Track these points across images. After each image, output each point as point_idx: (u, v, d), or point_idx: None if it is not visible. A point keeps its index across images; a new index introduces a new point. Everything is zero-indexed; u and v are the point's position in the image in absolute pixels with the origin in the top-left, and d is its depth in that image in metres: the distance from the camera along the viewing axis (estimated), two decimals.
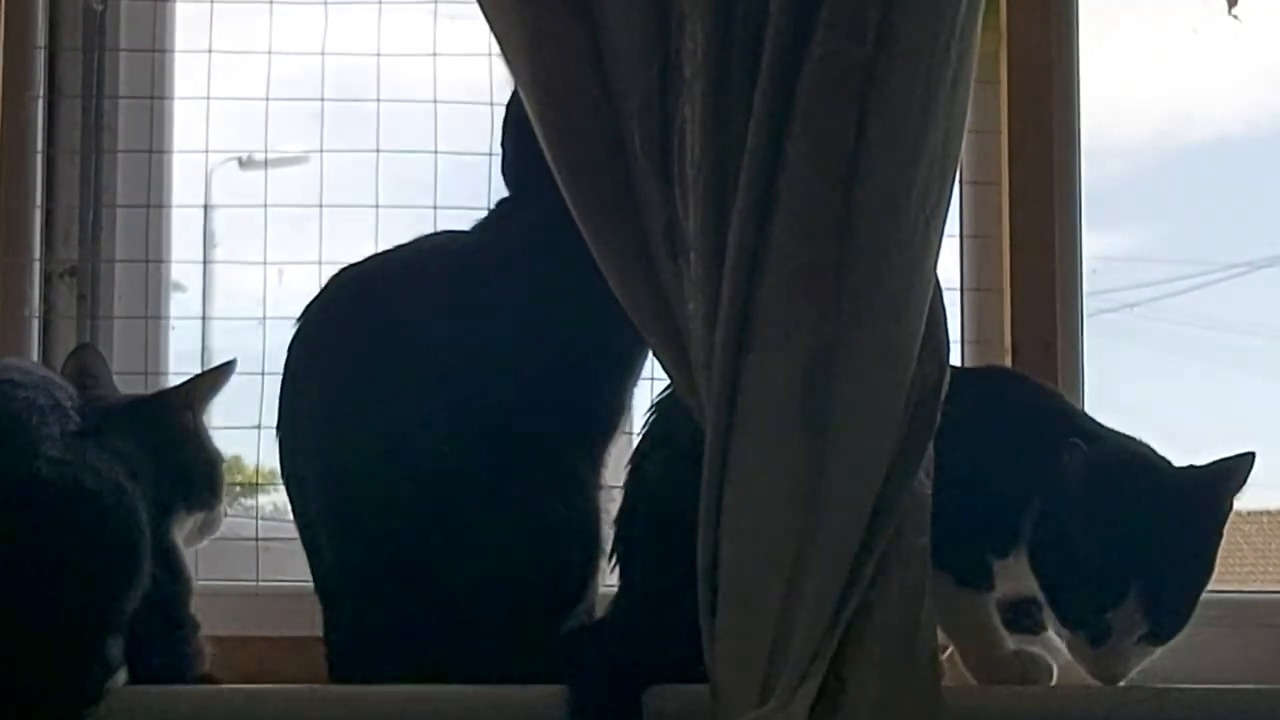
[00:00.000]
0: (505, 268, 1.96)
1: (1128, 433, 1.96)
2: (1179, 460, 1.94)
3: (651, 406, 1.98)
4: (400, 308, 1.94)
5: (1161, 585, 1.86)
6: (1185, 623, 1.90)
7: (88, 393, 1.96)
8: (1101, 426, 1.97)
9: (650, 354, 1.92)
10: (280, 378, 1.97)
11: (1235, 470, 1.89)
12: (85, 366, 2.02)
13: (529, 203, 2.00)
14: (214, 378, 2.01)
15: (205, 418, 2.03)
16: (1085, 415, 2.01)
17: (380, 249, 2.05)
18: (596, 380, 1.98)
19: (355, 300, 1.97)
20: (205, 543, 2.02)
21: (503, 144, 2.06)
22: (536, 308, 1.94)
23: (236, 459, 2.25)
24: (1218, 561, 1.95)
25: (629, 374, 2.00)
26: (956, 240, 2.31)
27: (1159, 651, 1.91)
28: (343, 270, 1.99)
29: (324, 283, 1.99)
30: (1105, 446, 1.90)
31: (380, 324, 1.94)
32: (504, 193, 2.06)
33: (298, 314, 1.98)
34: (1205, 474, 1.90)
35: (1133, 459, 1.91)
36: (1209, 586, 1.94)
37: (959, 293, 2.31)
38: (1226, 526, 1.93)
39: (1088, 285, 2.31)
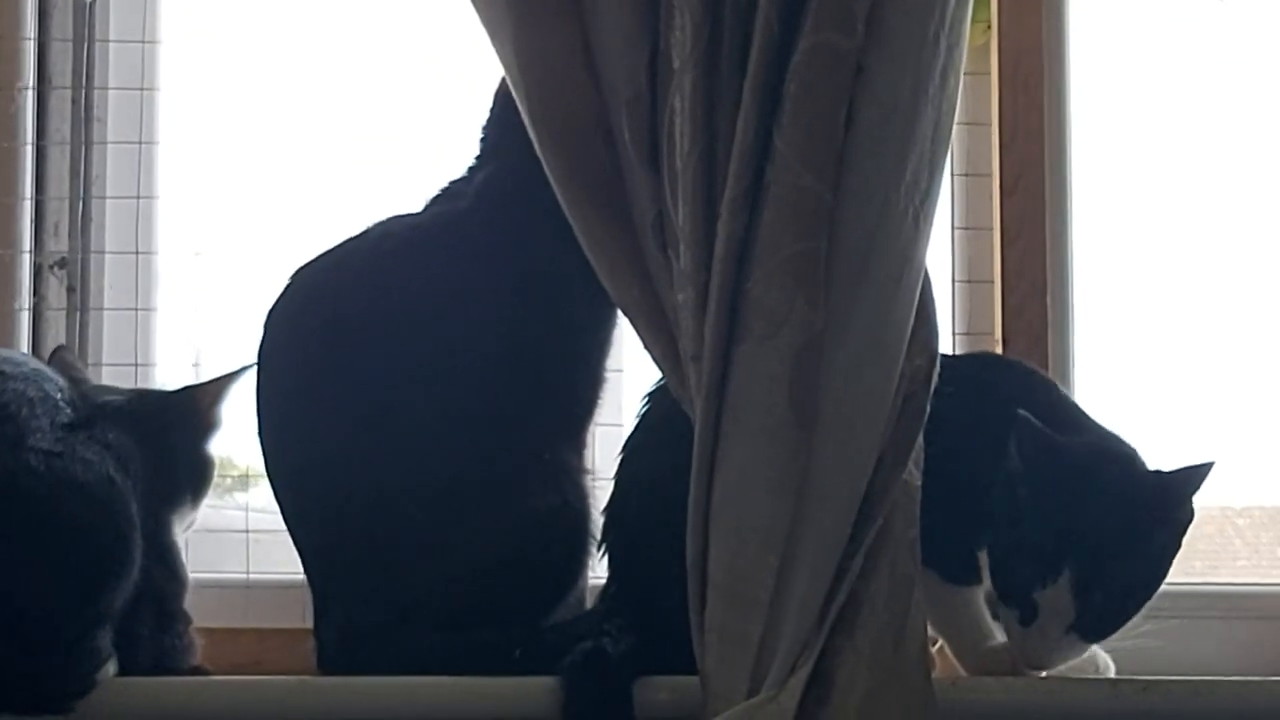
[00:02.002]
0: (463, 242, 1.96)
1: (1112, 428, 1.94)
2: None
3: (645, 397, 1.98)
4: (365, 301, 1.94)
5: (1096, 575, 1.83)
6: (1118, 624, 1.87)
7: (81, 385, 1.97)
8: (1086, 417, 1.96)
9: (620, 323, 1.93)
10: (255, 383, 1.97)
11: (1191, 477, 1.86)
12: (67, 366, 2.03)
13: (494, 174, 2.00)
14: (234, 378, 2.02)
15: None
16: (1072, 404, 1.99)
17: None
18: (573, 355, 1.98)
19: (319, 299, 1.96)
20: (185, 536, 2.02)
21: (490, 113, 2.06)
22: (504, 282, 1.94)
23: (234, 452, 2.26)
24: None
25: (603, 346, 2.00)
26: (948, 232, 2.31)
27: (1088, 653, 1.90)
28: (302, 267, 1.98)
29: (285, 283, 1.98)
30: (1069, 430, 1.88)
31: (348, 321, 1.93)
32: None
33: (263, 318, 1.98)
34: (1163, 479, 1.87)
35: (1091, 447, 1.89)
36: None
37: (950, 285, 2.31)
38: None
39: (1079, 277, 2.31)
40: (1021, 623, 1.85)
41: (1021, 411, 1.84)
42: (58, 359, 2.05)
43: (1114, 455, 1.89)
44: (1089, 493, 1.84)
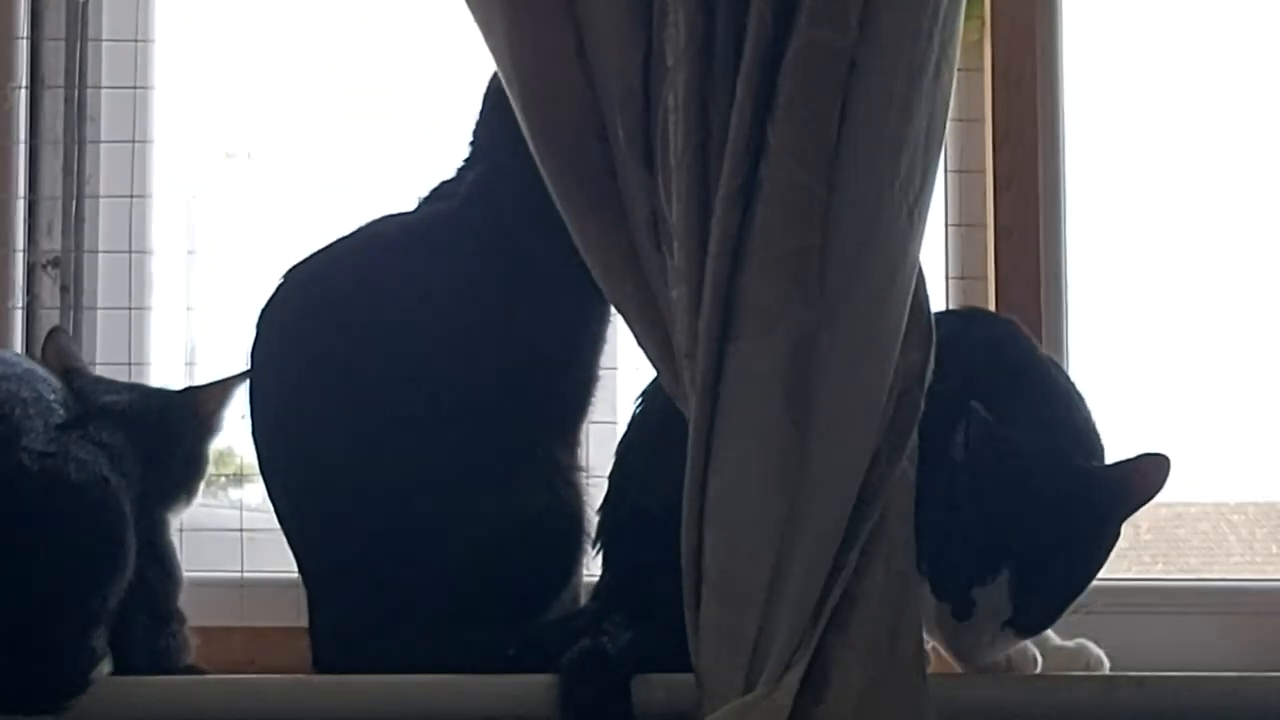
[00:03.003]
0: (453, 241, 1.95)
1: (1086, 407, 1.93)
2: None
3: (639, 396, 1.98)
4: (357, 300, 1.93)
5: (1036, 576, 1.80)
6: (1053, 620, 1.85)
7: (77, 382, 1.97)
8: (1054, 390, 1.92)
9: (614, 321, 1.94)
10: (248, 382, 1.97)
11: (1138, 474, 1.81)
12: (64, 349, 2.03)
13: (484, 173, 2.00)
14: (238, 381, 2.02)
15: None
16: (1043, 375, 1.94)
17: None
18: (565, 353, 1.98)
19: (311, 298, 1.96)
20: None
21: (480, 114, 2.06)
22: (495, 281, 1.94)
23: (229, 450, 2.26)
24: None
25: (596, 344, 2.00)
26: (941, 229, 2.31)
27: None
28: (294, 267, 1.98)
29: (277, 282, 1.98)
30: (1031, 408, 1.86)
31: (339, 320, 1.93)
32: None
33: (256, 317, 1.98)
34: (1108, 475, 1.83)
35: (1044, 443, 1.84)
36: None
37: (944, 281, 2.31)
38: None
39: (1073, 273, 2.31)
40: (956, 617, 1.82)
41: (974, 403, 1.80)
42: (53, 344, 2.05)
43: (1064, 450, 1.85)
44: (1034, 493, 1.80)
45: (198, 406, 2.03)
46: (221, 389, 2.03)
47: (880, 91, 1.76)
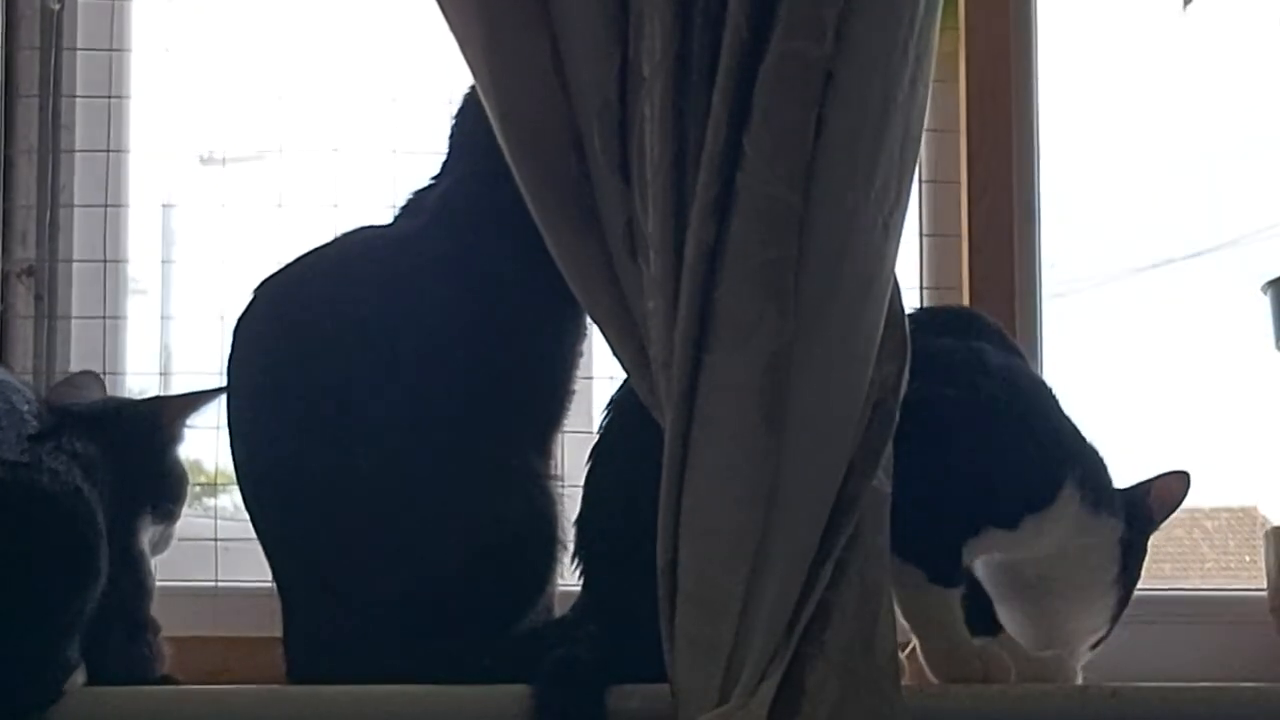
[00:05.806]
0: (423, 256, 1.95)
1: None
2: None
3: (607, 405, 1.98)
4: (330, 313, 1.93)
5: None
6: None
7: (53, 393, 1.96)
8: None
9: (590, 331, 1.94)
10: (224, 394, 1.97)
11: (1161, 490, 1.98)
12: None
13: (453, 186, 2.00)
14: (205, 398, 2.01)
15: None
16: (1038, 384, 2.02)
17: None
18: (539, 364, 1.98)
19: (284, 310, 1.95)
20: (157, 557, 2.01)
21: (454, 123, 2.06)
22: (467, 294, 1.94)
23: (197, 462, 2.26)
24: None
25: (571, 355, 2.00)
26: (915, 239, 2.32)
27: (1057, 660, 1.99)
28: (267, 279, 1.98)
29: (251, 294, 1.98)
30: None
31: (313, 332, 1.92)
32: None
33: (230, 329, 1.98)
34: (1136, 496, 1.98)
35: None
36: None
37: (918, 292, 2.32)
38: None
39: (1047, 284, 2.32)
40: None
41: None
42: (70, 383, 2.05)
43: None
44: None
45: (159, 415, 2.02)
46: (184, 401, 2.02)
47: (856, 103, 1.76)
